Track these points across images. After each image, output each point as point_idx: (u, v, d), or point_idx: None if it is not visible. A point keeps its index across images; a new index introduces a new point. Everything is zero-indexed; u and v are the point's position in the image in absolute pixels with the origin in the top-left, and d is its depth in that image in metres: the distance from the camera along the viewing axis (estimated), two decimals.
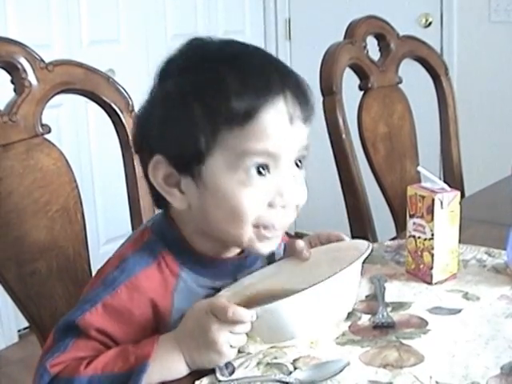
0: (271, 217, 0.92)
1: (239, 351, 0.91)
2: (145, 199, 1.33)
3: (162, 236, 0.98)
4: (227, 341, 0.87)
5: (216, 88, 0.88)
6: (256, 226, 0.92)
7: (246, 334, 0.89)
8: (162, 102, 0.93)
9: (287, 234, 1.10)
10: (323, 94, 1.69)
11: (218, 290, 0.98)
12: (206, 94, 0.89)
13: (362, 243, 1.02)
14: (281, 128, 0.89)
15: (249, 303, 0.99)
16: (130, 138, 0.97)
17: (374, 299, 1.09)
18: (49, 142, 1.24)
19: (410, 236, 1.18)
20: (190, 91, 0.90)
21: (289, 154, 0.92)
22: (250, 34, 3.83)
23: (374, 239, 1.71)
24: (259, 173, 0.90)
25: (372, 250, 0.98)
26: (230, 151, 0.89)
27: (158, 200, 0.98)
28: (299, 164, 0.95)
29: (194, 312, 0.90)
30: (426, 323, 1.02)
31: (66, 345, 0.91)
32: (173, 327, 0.93)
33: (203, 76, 0.90)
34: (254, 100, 0.87)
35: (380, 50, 1.85)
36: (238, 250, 1.01)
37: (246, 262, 1.03)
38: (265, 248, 0.96)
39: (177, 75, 0.92)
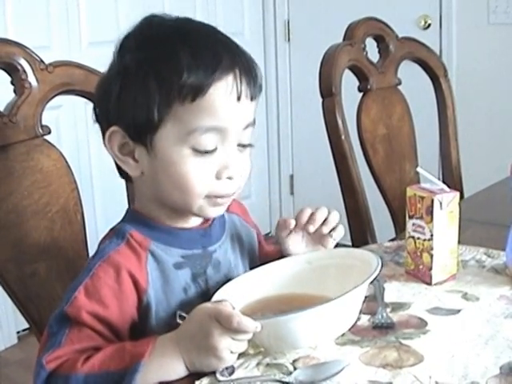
0: (220, 188, 0.99)
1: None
2: None
3: (128, 218, 1.04)
4: (228, 347, 0.87)
5: (169, 63, 0.93)
6: (208, 197, 0.99)
7: (248, 340, 0.90)
8: (119, 75, 0.97)
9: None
10: (322, 96, 1.69)
11: (187, 258, 1.03)
12: (160, 68, 0.93)
13: (372, 257, 1.02)
14: (229, 105, 0.95)
15: (256, 308, 1.01)
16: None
17: (374, 300, 1.09)
18: (49, 143, 1.24)
19: (409, 237, 1.18)
20: (145, 65, 0.95)
21: (235, 130, 0.98)
22: (249, 36, 3.83)
23: (373, 240, 1.71)
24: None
25: (382, 267, 0.99)
26: (182, 125, 0.94)
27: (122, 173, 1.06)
28: (246, 142, 1.01)
29: (197, 315, 0.90)
30: (426, 323, 1.02)
31: (60, 338, 0.91)
32: (154, 299, 0.97)
33: (158, 51, 0.95)
34: (204, 76, 0.93)
35: (379, 51, 1.85)
36: (200, 220, 1.06)
37: (211, 230, 1.07)
38: (213, 213, 1.03)
39: (134, 49, 0.97)
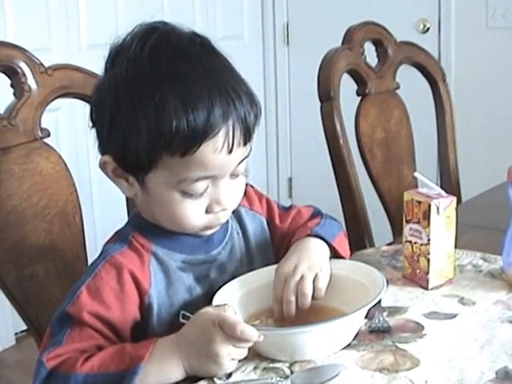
0: (211, 220, 1.01)
1: None
2: None
3: (132, 223, 1.06)
4: (229, 354, 0.88)
5: (159, 111, 0.90)
6: (200, 228, 1.01)
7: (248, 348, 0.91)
8: (112, 100, 0.95)
9: None
10: (321, 100, 1.70)
11: (189, 263, 1.04)
12: (149, 114, 0.91)
13: (378, 276, 1.02)
14: (219, 158, 0.94)
15: (257, 315, 1.03)
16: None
17: None
18: (48, 145, 1.24)
19: (406, 241, 1.18)
20: (135, 103, 0.92)
21: (228, 172, 0.98)
22: (248, 39, 3.83)
23: (370, 244, 1.71)
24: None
25: (387, 286, 1.00)
26: (171, 174, 0.94)
27: None
28: (240, 172, 1.00)
29: (200, 320, 0.91)
30: (422, 328, 1.02)
31: (61, 337, 0.92)
32: (156, 299, 0.99)
33: (148, 91, 0.91)
34: (193, 136, 0.90)
35: (378, 55, 1.86)
36: None
37: (213, 237, 1.07)
38: (209, 233, 1.04)
39: (125, 74, 0.94)
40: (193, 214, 0.98)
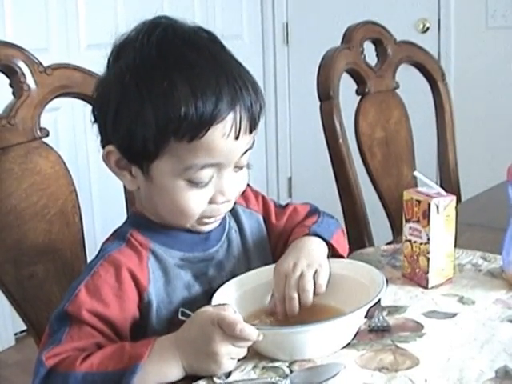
0: (213, 211, 1.01)
1: None
2: None
3: (130, 221, 1.06)
4: (228, 353, 0.88)
5: (167, 98, 0.91)
6: (200, 218, 1.01)
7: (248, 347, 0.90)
8: (118, 90, 0.95)
9: None
10: (320, 99, 1.70)
11: (187, 261, 1.04)
12: (158, 102, 0.91)
13: (378, 275, 1.02)
14: (226, 144, 0.94)
15: (256, 314, 1.03)
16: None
17: None
18: (47, 145, 1.24)
19: (406, 240, 1.18)
20: (143, 91, 0.92)
21: (233, 161, 0.98)
22: (248, 39, 3.83)
23: (370, 243, 1.71)
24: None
25: (387, 285, 1.00)
26: (178, 161, 0.95)
27: None
28: (244, 164, 1.01)
29: (199, 319, 0.90)
30: (422, 327, 1.02)
31: (60, 336, 0.92)
32: (155, 297, 0.99)
33: (157, 80, 0.92)
34: (202, 120, 0.91)
35: (377, 55, 1.86)
36: None
37: (211, 235, 1.08)
38: (206, 228, 1.05)
39: (132, 66, 0.95)
40: (196, 203, 0.98)
